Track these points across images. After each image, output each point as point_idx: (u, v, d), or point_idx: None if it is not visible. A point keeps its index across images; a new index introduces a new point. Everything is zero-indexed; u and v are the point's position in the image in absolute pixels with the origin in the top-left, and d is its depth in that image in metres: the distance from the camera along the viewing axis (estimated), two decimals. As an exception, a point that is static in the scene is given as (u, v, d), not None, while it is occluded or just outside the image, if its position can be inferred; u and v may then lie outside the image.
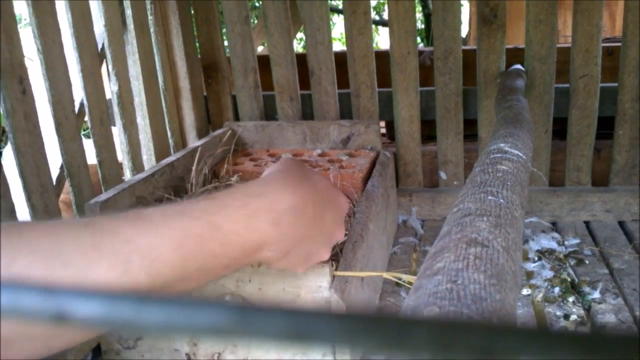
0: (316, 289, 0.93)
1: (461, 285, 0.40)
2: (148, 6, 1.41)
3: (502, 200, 0.57)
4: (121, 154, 1.35)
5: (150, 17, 1.41)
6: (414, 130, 1.52)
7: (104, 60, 1.31)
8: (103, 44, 1.29)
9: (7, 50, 1.00)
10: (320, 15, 1.46)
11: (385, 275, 0.92)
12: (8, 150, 1.20)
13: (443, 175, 1.54)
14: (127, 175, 1.35)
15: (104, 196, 1.05)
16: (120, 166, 1.34)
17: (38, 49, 1.08)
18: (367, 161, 1.37)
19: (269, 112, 1.60)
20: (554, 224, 1.47)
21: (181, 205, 0.49)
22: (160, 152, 1.46)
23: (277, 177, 0.58)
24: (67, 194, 1.27)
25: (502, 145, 0.75)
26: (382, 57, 1.53)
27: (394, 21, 1.43)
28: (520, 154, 0.72)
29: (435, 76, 1.47)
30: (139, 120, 1.40)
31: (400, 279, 0.91)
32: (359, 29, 1.46)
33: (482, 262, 0.45)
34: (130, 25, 1.34)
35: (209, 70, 1.59)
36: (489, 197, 0.58)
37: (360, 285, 1.01)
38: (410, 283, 0.95)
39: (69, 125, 1.14)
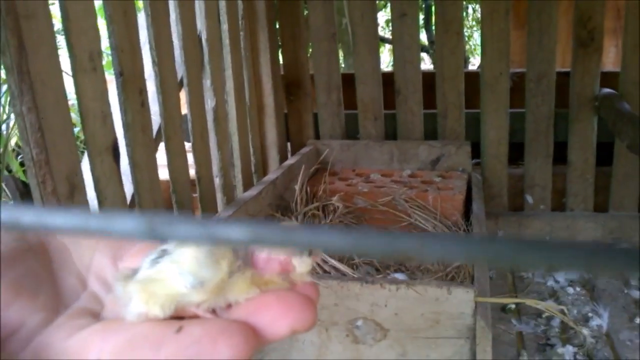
0: (458, 315, 0.89)
1: None
2: (239, 22, 1.39)
3: None
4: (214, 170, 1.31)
5: (241, 33, 1.39)
6: (501, 152, 1.49)
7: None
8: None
9: (131, 60, 0.97)
10: (411, 33, 1.44)
11: (529, 302, 0.88)
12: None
13: (529, 199, 1.51)
14: (218, 193, 1.31)
15: (224, 214, 1.01)
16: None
17: (154, 61, 1.05)
18: (463, 183, 1.34)
19: (349, 131, 1.57)
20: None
21: None
22: (244, 168, 1.42)
23: None
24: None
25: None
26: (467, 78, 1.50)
27: (487, 42, 1.41)
28: None
29: (527, 98, 1.44)
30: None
31: (541, 307, 0.87)
32: (450, 48, 1.43)
33: None
34: (226, 40, 1.31)
35: (292, 87, 1.56)
36: None
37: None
38: (548, 310, 0.91)
39: (176, 139, 1.11)
